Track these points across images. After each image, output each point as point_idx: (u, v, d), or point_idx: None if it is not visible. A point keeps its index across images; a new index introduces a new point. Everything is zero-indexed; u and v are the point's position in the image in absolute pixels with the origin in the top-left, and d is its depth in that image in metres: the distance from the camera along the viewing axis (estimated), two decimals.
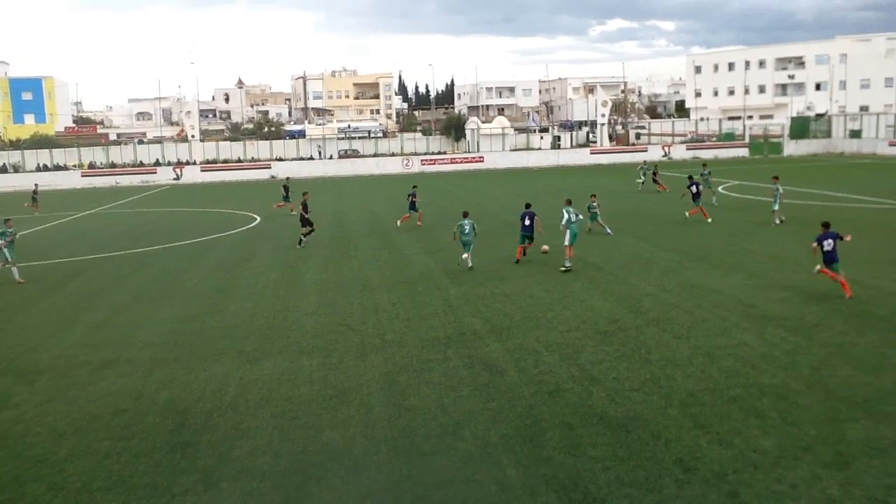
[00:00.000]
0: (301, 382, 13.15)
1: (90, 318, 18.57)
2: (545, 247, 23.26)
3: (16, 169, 76.50)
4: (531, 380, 12.72)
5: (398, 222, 32.92)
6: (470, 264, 22.51)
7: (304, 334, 16.22)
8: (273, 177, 74.12)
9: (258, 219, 38.35)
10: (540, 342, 14.82)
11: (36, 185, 53.30)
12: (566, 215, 22.18)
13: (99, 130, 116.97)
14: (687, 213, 31.15)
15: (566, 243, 21.89)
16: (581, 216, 21.49)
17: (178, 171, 74.08)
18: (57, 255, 28.72)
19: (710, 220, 30.31)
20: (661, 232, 28.23)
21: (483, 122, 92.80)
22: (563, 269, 21.53)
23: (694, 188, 31.16)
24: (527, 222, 23.12)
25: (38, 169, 76.21)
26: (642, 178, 46.31)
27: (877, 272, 19.75)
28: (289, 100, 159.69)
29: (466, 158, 77.89)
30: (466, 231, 22.70)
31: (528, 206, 23.69)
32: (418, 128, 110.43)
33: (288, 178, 46.85)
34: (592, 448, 10.00)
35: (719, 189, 41.92)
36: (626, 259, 23.12)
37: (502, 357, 14.02)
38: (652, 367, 13.11)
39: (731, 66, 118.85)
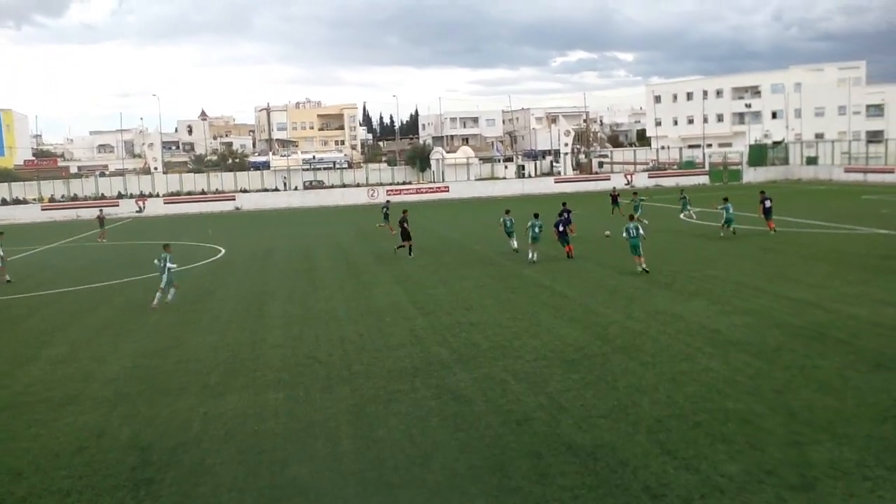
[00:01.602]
0: (267, 416, 13.00)
1: (51, 353, 18.20)
2: (607, 232, 30.36)
3: None
4: (499, 409, 12.71)
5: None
6: (534, 259, 27.95)
7: (270, 367, 16.05)
8: (238, 208, 73.69)
9: (223, 251, 38.03)
10: (507, 371, 14.84)
11: (101, 209, 53.05)
12: (625, 232, 25.45)
13: (59, 163, 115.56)
14: (770, 230, 33.38)
15: (632, 253, 25.42)
16: (642, 231, 25.59)
17: (140, 203, 73.32)
18: (16, 290, 28.15)
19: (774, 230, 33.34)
20: (626, 259, 28.44)
21: (448, 153, 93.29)
22: (640, 270, 24.95)
23: (767, 202, 33.69)
24: (561, 228, 28.88)
25: None
26: (687, 209, 42.69)
27: (834, 295, 20.15)
28: (253, 131, 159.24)
29: (432, 188, 78.30)
30: (536, 231, 28.22)
31: (564, 204, 30.73)
32: (383, 158, 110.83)
33: (388, 201, 49.22)
34: (561, 477, 10.01)
35: (680, 216, 42.55)
36: (592, 286, 23.31)
37: (470, 387, 14.00)
38: (619, 394, 13.19)
39: (689, 96, 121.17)
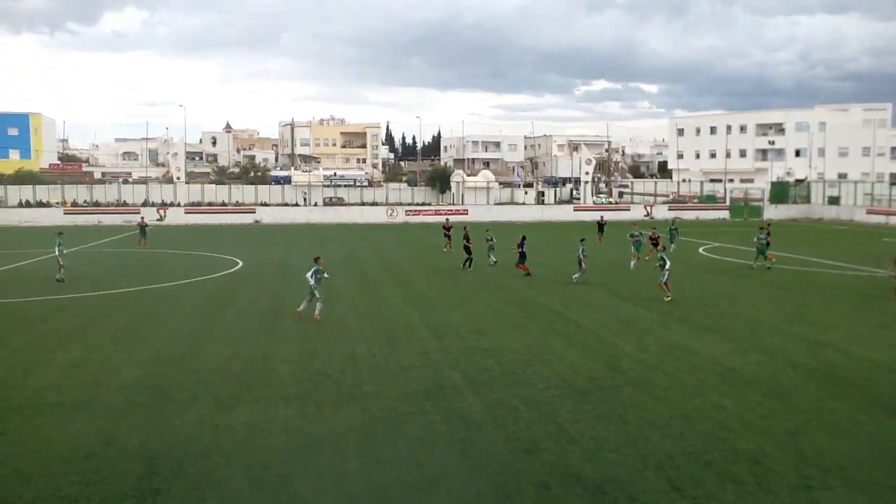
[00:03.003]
0: (276, 431, 13.02)
1: (65, 357, 18.32)
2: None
3: None
4: (509, 437, 12.66)
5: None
6: (577, 280, 30.27)
7: (282, 382, 16.08)
8: (257, 221, 74.10)
9: (240, 263, 38.22)
10: (518, 398, 14.78)
11: (142, 217, 54.31)
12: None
13: (84, 168, 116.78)
14: (762, 264, 34.15)
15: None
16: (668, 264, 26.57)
17: (161, 212, 73.84)
18: (34, 293, 28.41)
19: (771, 265, 34.27)
20: (642, 291, 28.36)
21: (468, 175, 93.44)
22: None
23: (769, 238, 34.52)
24: (521, 249, 32.88)
25: (21, 205, 75.84)
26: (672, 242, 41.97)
27: (851, 338, 19.95)
28: (276, 146, 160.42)
29: (451, 210, 78.26)
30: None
31: (523, 237, 33.54)
32: (404, 178, 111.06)
33: (447, 219, 50.24)
34: None
35: (700, 250, 42.39)
36: (606, 318, 23.22)
37: (480, 412, 13.95)
38: (629, 427, 13.10)
39: (713, 130, 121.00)
